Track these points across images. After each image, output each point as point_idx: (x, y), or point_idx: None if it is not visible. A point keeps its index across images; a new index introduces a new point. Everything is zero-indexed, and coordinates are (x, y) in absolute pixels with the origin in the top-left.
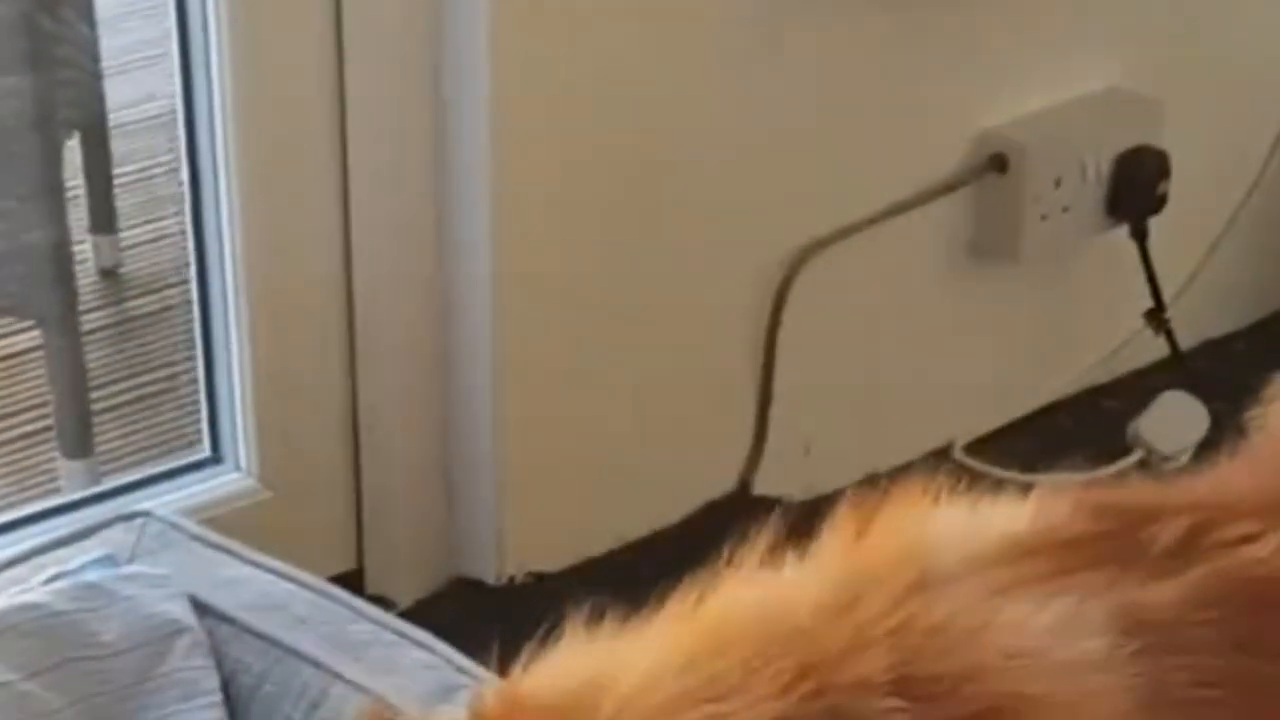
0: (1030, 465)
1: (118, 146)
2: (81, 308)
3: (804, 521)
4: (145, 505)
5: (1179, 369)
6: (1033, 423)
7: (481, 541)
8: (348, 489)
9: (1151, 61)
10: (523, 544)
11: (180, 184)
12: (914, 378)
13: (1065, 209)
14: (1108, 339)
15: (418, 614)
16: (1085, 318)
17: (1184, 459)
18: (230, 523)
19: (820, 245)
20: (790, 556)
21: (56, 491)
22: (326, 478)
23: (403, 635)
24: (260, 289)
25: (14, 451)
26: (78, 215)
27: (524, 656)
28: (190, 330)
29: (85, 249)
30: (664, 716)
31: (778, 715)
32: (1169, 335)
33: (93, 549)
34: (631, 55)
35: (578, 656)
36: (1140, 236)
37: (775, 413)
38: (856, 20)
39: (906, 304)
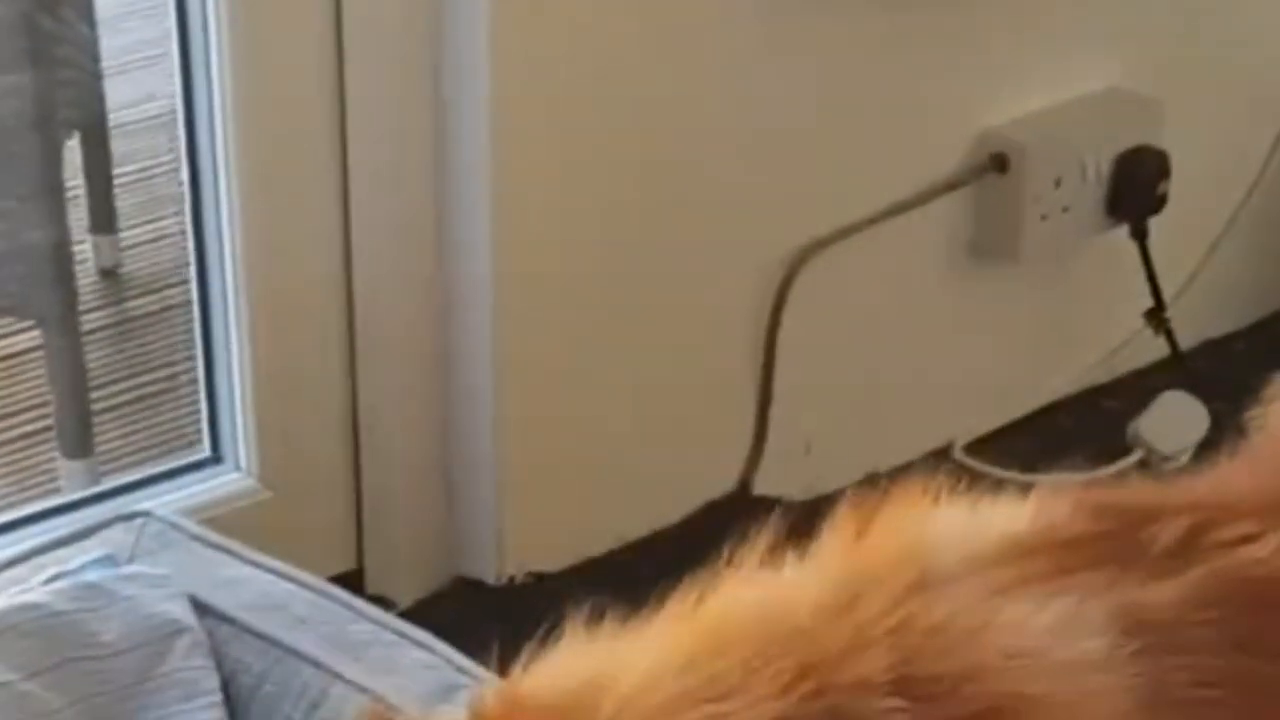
0: (1030, 465)
1: (118, 146)
2: (81, 308)
3: (804, 521)
4: (145, 505)
5: (1179, 369)
6: (1033, 422)
7: (481, 541)
8: (348, 489)
9: (1151, 61)
10: (523, 544)
11: (180, 184)
12: (914, 377)
13: (1065, 209)
14: (1108, 339)
15: (418, 614)
16: (1085, 317)
17: (1184, 459)
18: (230, 523)
19: (820, 245)
20: (790, 556)
21: (56, 491)
22: (326, 478)
23: (403, 635)
24: (260, 289)
25: (14, 451)
26: (78, 215)
27: (524, 656)
28: (190, 330)
29: (85, 249)
30: (664, 716)
31: (777, 715)
32: (1169, 335)
33: (93, 549)
34: (631, 55)
35: (577, 657)
36: (1140, 236)
37: (775, 412)
38: (856, 20)
39: (906, 304)
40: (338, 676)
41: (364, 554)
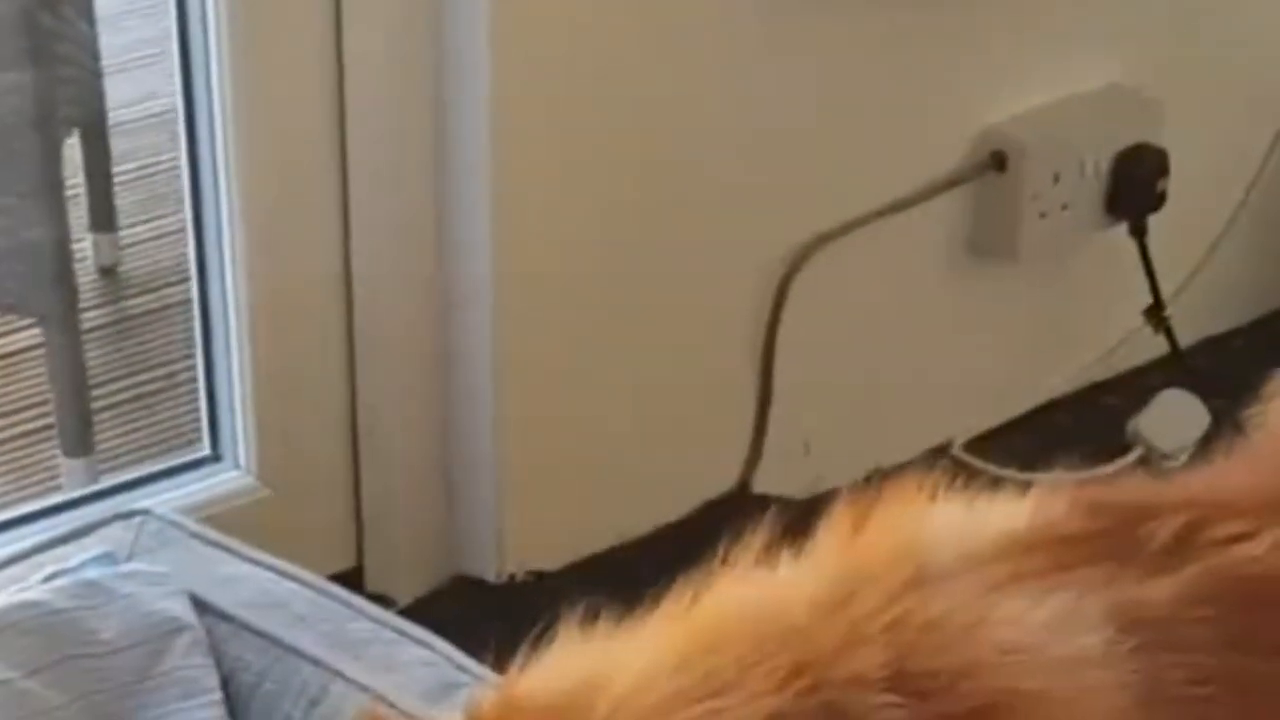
0: (1029, 463)
1: (117, 145)
2: (81, 306)
3: (804, 520)
4: (145, 503)
5: (1178, 367)
6: (1032, 420)
7: (482, 540)
8: (347, 488)
9: (1151, 60)
10: (523, 542)
11: (180, 182)
12: (913, 376)
13: (1065, 207)
14: (1107, 336)
15: (418, 612)
16: (1084, 315)
17: (1183, 457)
18: (230, 521)
19: (819, 244)
20: (787, 554)
21: (56, 489)
22: (326, 477)
23: (402, 633)
24: (260, 289)
25: (14, 449)
26: (78, 213)
27: (520, 657)
28: (190, 329)
29: (85, 247)
30: (659, 715)
31: (773, 711)
32: (1168, 333)
33: (92, 547)
34: (631, 55)
35: (573, 657)
36: (1140, 234)
37: (775, 411)
38: (856, 19)
39: (906, 302)
40: (337, 674)
41: (364, 552)
